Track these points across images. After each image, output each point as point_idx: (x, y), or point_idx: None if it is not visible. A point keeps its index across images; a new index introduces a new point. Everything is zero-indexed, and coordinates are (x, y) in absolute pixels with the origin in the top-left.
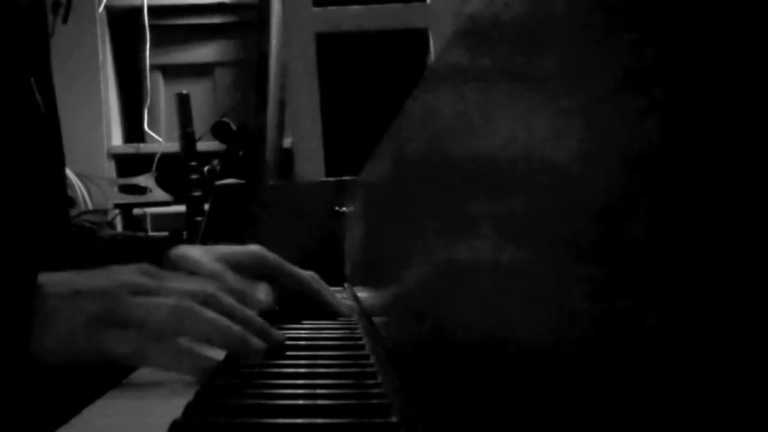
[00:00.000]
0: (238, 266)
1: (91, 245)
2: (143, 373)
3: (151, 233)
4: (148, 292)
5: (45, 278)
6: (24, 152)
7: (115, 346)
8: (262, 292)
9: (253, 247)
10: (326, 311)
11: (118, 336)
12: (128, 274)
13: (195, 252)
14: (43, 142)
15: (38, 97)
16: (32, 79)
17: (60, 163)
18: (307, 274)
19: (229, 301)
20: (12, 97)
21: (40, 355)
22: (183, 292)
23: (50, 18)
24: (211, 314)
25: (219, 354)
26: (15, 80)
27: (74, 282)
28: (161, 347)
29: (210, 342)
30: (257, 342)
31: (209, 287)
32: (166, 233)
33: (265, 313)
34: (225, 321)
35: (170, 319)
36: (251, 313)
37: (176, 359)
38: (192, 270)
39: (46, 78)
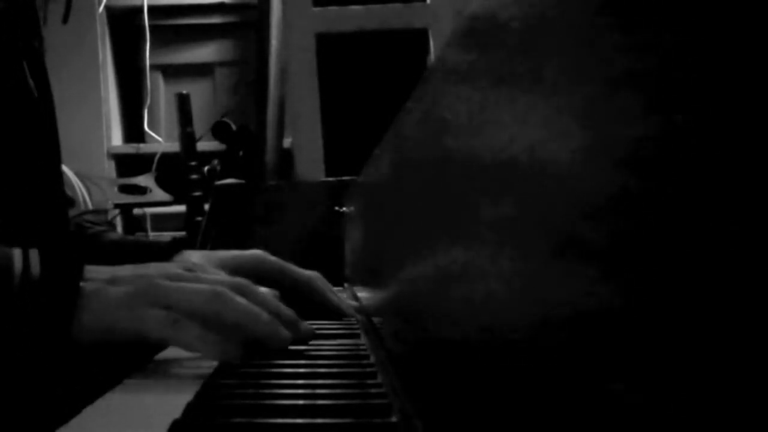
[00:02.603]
0: (239, 271)
1: (97, 248)
2: (143, 374)
3: (153, 235)
4: (185, 279)
5: (90, 267)
6: (18, 137)
7: (151, 325)
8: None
9: (255, 252)
10: (329, 312)
11: (154, 315)
12: (167, 266)
13: (197, 258)
14: (37, 126)
15: (31, 81)
16: (25, 64)
17: (56, 148)
18: (311, 275)
19: (262, 293)
20: (4, 80)
21: (77, 336)
22: (219, 282)
23: (41, 4)
24: (244, 301)
25: None
26: (7, 64)
27: (118, 269)
28: (196, 329)
29: (241, 329)
30: (285, 332)
31: (243, 280)
32: (169, 238)
33: None
34: (257, 309)
35: (207, 302)
36: (282, 306)
37: (208, 343)
38: None
39: (39, 63)
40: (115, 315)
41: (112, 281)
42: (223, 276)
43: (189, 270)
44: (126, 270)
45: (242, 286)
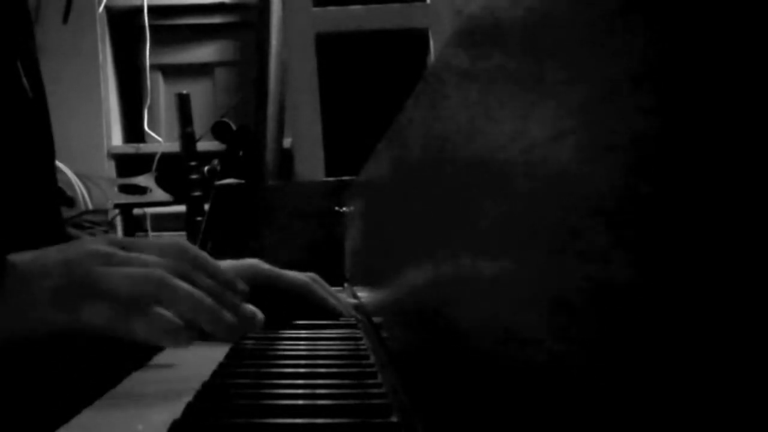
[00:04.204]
0: None
1: None
2: (142, 374)
3: (153, 235)
4: (118, 263)
5: (14, 257)
6: (10, 137)
7: (90, 317)
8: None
9: (249, 261)
10: (328, 312)
11: (91, 307)
12: (96, 243)
13: None
14: (31, 127)
15: (25, 82)
16: (19, 64)
17: (49, 149)
18: (306, 279)
19: (202, 277)
20: None
21: (15, 331)
22: (155, 263)
23: (34, 4)
24: (184, 285)
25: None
26: (1, 63)
27: (44, 257)
28: (138, 317)
29: (182, 313)
30: (229, 316)
31: (181, 262)
32: (168, 238)
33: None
34: (198, 292)
35: (143, 288)
36: (224, 290)
37: (155, 329)
38: None
39: (33, 63)
40: (46, 310)
41: (38, 271)
42: (157, 258)
43: (123, 246)
44: (54, 255)
45: (181, 269)
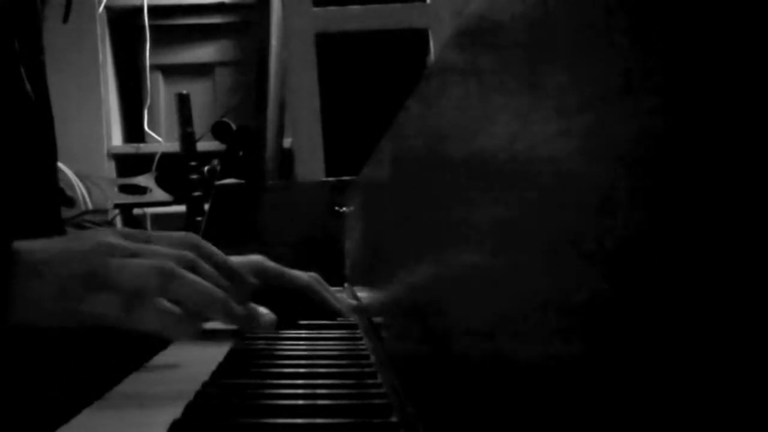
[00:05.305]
0: None
1: None
2: (142, 374)
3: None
4: (127, 254)
5: (22, 245)
6: (11, 140)
7: (98, 308)
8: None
9: (254, 257)
10: (329, 313)
11: (100, 298)
12: (107, 235)
13: None
14: (33, 131)
15: (28, 86)
16: (22, 68)
17: (52, 153)
18: (309, 277)
19: (210, 268)
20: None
21: (20, 321)
22: (164, 255)
23: (41, 7)
24: (193, 276)
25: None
26: (2, 67)
27: (52, 247)
28: (146, 309)
29: (191, 304)
30: (239, 307)
31: (189, 253)
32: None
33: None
34: (207, 284)
35: (152, 280)
36: (232, 282)
37: (162, 321)
38: None
39: (38, 68)
40: (57, 301)
41: (49, 261)
42: (167, 249)
43: (132, 238)
44: (61, 246)
45: (189, 260)
